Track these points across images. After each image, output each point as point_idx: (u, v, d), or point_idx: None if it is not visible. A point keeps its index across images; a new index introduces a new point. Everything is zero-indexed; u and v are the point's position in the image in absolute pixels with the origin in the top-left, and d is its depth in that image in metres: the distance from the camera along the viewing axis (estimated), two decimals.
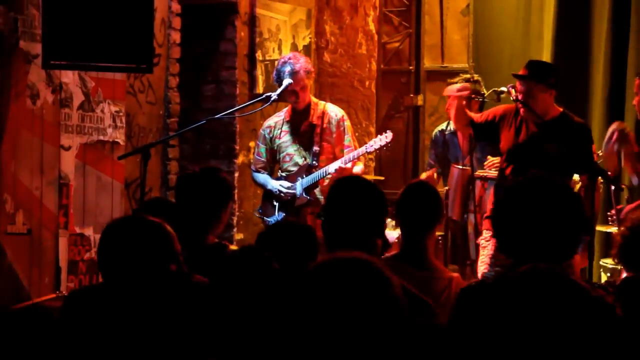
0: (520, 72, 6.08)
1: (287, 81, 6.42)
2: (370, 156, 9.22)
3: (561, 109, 6.06)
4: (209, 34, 7.91)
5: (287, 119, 6.63)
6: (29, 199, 6.07)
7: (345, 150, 6.59)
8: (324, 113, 6.61)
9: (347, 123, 6.67)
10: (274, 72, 6.58)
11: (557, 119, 5.97)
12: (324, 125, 6.59)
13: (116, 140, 6.72)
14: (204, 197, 4.51)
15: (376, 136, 6.76)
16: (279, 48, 8.37)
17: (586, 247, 5.71)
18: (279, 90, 6.33)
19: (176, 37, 7.30)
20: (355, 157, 6.49)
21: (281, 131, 6.66)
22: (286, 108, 6.68)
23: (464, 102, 6.36)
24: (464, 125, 6.35)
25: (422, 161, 9.42)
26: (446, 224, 7.19)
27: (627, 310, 3.13)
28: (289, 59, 6.50)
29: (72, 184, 6.39)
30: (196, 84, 7.93)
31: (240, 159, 7.89)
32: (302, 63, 6.46)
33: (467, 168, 7.24)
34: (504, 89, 6.44)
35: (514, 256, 3.05)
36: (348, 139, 6.62)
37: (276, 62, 6.69)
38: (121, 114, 6.76)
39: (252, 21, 8.08)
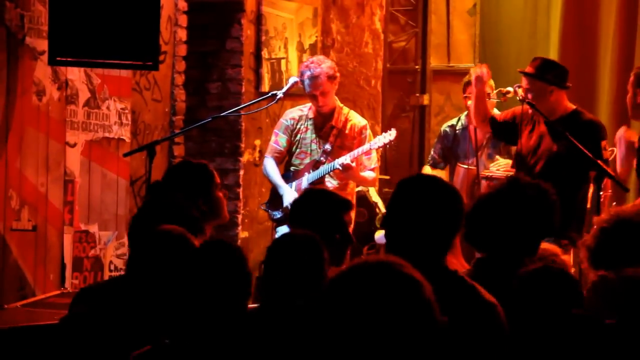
0: (527, 70, 6.07)
1: (293, 79, 6.41)
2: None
3: (574, 107, 6.04)
4: (215, 31, 7.90)
5: (311, 116, 6.61)
6: (34, 196, 6.08)
7: (364, 157, 6.57)
8: (347, 119, 6.60)
9: (369, 132, 6.65)
10: (298, 75, 6.58)
11: (567, 117, 5.95)
12: (345, 131, 6.57)
13: (122, 137, 6.72)
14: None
15: (381, 134, 6.74)
16: (285, 46, 8.37)
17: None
18: (285, 88, 6.32)
19: (182, 34, 7.30)
20: (359, 153, 6.47)
21: (303, 126, 6.63)
22: (309, 105, 6.65)
23: (486, 91, 6.33)
24: (482, 119, 6.30)
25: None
26: None
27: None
28: (311, 62, 6.48)
29: (78, 180, 6.40)
30: (202, 81, 7.92)
31: (246, 157, 7.88)
32: (324, 68, 6.41)
33: (473, 168, 7.24)
34: (509, 89, 6.44)
35: (483, 250, 3.56)
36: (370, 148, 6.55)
37: (300, 65, 6.70)
38: (127, 111, 6.76)
39: (259, 19, 8.07)
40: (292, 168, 6.67)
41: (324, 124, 6.59)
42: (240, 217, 7.82)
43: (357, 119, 6.66)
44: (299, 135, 6.62)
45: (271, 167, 6.67)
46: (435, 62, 9.48)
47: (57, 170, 6.25)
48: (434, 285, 2.02)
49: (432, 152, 7.62)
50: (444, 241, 3.05)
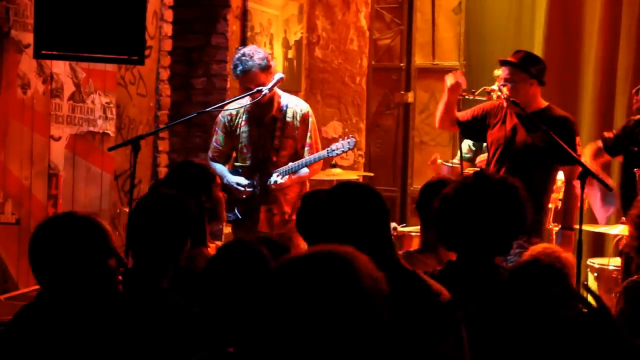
0: (510, 59, 6.06)
1: (278, 75, 6.33)
2: (360, 152, 9.23)
3: (547, 103, 6.06)
4: (201, 27, 7.90)
5: (249, 108, 6.36)
6: (18, 189, 6.06)
7: (306, 149, 6.36)
8: (287, 106, 6.35)
9: (312, 119, 6.41)
10: (232, 64, 6.30)
11: (540, 112, 5.96)
12: (287, 119, 6.34)
13: (106, 131, 6.72)
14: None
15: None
16: (271, 42, 8.38)
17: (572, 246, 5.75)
18: (270, 85, 6.23)
19: (168, 29, 7.29)
20: (311, 161, 6.32)
21: (242, 120, 6.40)
22: (248, 95, 6.31)
23: (456, 101, 6.34)
24: (450, 125, 6.32)
25: (412, 158, 9.44)
26: None
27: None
28: (242, 56, 6.19)
29: (62, 174, 6.38)
30: (187, 77, 7.92)
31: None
32: (255, 60, 6.16)
33: (457, 165, 7.27)
34: (494, 87, 6.44)
35: (455, 249, 3.47)
36: (310, 137, 6.38)
37: (235, 53, 6.38)
38: (112, 105, 6.76)
39: (244, 15, 8.08)
40: (239, 164, 6.46)
41: (264, 113, 6.33)
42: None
43: (298, 106, 6.39)
44: (238, 130, 6.41)
45: (214, 166, 6.41)
46: (420, 60, 9.50)
47: (41, 163, 6.24)
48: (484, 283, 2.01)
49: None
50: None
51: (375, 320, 1.98)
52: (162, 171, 7.31)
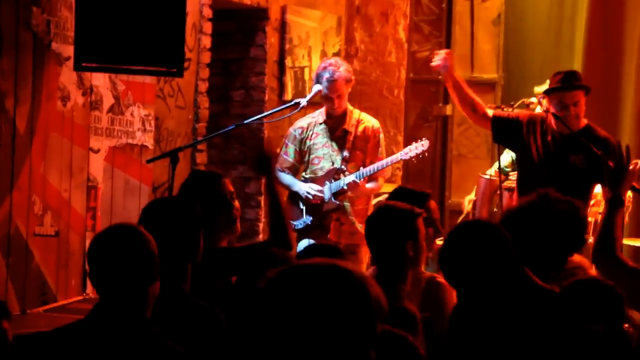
0: (559, 84, 5.89)
1: (316, 87, 6.39)
2: (398, 165, 9.20)
3: (586, 121, 5.95)
4: (239, 39, 7.92)
5: (322, 121, 6.55)
6: (57, 201, 6.09)
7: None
8: (358, 121, 6.54)
9: (382, 136, 6.61)
10: (314, 75, 6.53)
11: (583, 130, 5.87)
12: (358, 133, 6.51)
13: (145, 143, 6.74)
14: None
15: (405, 145, 6.71)
16: (309, 55, 8.37)
17: None
18: (308, 97, 6.28)
19: (207, 42, 7.31)
20: (387, 164, 6.46)
21: (313, 133, 6.56)
22: (320, 110, 6.59)
23: (456, 75, 6.21)
24: (471, 108, 6.09)
25: (450, 170, 9.38)
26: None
27: None
28: (330, 65, 6.44)
29: (101, 186, 6.41)
30: (225, 89, 7.93)
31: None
32: (342, 71, 6.38)
33: (495, 178, 7.21)
34: (533, 99, 6.38)
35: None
36: (381, 151, 6.55)
37: (318, 65, 6.64)
38: (150, 117, 6.78)
39: (283, 27, 8.08)
40: (309, 176, 6.58)
41: (336, 127, 6.53)
42: (261, 225, 7.82)
43: (370, 121, 6.59)
44: (308, 142, 6.56)
45: (283, 177, 6.55)
46: (458, 72, 9.43)
47: (80, 175, 6.26)
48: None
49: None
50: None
51: (373, 332, 1.96)
52: None
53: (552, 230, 3.55)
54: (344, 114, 6.51)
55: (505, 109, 6.46)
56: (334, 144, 6.52)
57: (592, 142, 5.65)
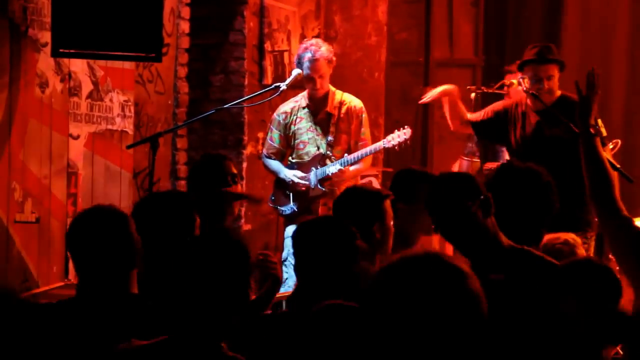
0: (533, 57, 5.91)
1: (296, 71, 6.40)
2: None
3: (560, 92, 5.95)
4: (218, 24, 7.89)
5: (304, 105, 6.56)
6: (37, 188, 6.07)
7: (359, 144, 6.53)
8: (341, 103, 6.54)
9: (365, 115, 6.60)
10: (295, 57, 6.54)
11: (557, 102, 5.87)
12: (341, 115, 6.52)
13: (125, 129, 6.72)
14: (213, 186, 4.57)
15: (385, 128, 6.72)
16: (288, 39, 8.36)
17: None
18: (288, 80, 6.27)
19: (185, 27, 7.29)
20: (369, 153, 6.46)
21: (297, 117, 6.57)
22: (303, 93, 6.61)
23: (457, 98, 6.26)
24: (459, 123, 6.24)
25: (431, 152, 9.40)
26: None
27: None
28: (311, 45, 6.45)
29: (81, 173, 6.39)
30: (205, 74, 7.91)
31: (249, 150, 7.88)
32: (324, 51, 6.39)
33: (476, 160, 7.24)
34: (513, 81, 6.39)
35: None
36: (364, 131, 6.56)
37: (299, 47, 6.65)
38: (130, 103, 6.76)
39: (262, 12, 8.06)
40: (294, 160, 6.62)
41: (318, 109, 6.54)
42: (243, 209, 7.82)
43: (352, 102, 6.59)
44: (293, 127, 6.58)
45: (269, 162, 6.67)
46: (438, 54, 9.46)
47: (60, 162, 6.25)
48: None
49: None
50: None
51: (480, 322, 1.98)
52: (181, 169, 7.31)
53: (516, 200, 3.48)
54: (326, 96, 6.52)
55: (485, 90, 6.49)
56: (318, 128, 6.54)
57: (568, 110, 5.60)
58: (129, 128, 6.75)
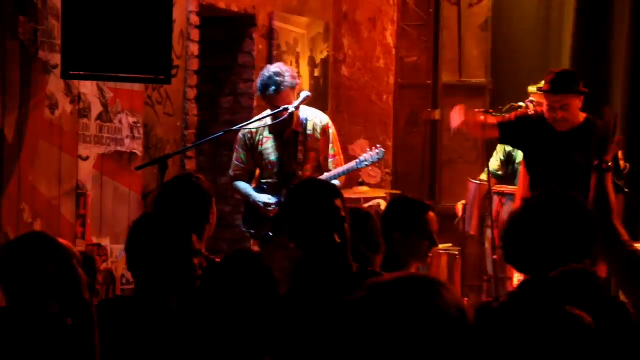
0: (546, 86, 5.93)
1: (304, 93, 6.33)
2: (387, 170, 9.21)
3: (585, 115, 5.97)
4: (227, 46, 7.92)
5: (269, 124, 6.34)
6: (47, 209, 6.09)
7: (330, 160, 6.41)
8: (307, 120, 6.38)
9: (332, 130, 6.45)
10: (258, 82, 6.32)
11: (582, 125, 5.89)
12: (307, 132, 6.37)
13: (134, 151, 6.74)
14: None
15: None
16: (297, 61, 8.39)
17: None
18: (296, 103, 6.24)
19: (194, 49, 7.32)
20: (342, 174, 6.34)
21: (263, 137, 6.43)
22: (267, 112, 6.37)
23: (475, 122, 6.28)
24: (482, 134, 6.28)
25: (440, 175, 9.40)
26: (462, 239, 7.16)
27: None
28: (274, 74, 6.20)
29: (90, 194, 6.41)
30: (214, 96, 7.94)
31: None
32: (287, 79, 6.19)
33: (485, 183, 7.23)
34: (522, 104, 6.41)
35: (524, 270, 3.32)
36: (333, 148, 6.42)
37: (261, 72, 6.38)
38: (139, 125, 6.78)
39: (270, 34, 8.09)
40: (264, 181, 6.48)
41: (284, 129, 6.36)
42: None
43: (317, 118, 6.43)
44: (260, 148, 6.44)
45: (238, 185, 6.51)
46: (447, 77, 9.48)
47: (69, 183, 6.26)
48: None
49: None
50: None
51: (458, 348, 1.98)
52: None
53: (562, 229, 3.26)
54: (290, 115, 6.26)
55: (494, 114, 6.51)
56: (285, 147, 6.39)
57: (591, 135, 5.64)
58: (138, 149, 6.77)
